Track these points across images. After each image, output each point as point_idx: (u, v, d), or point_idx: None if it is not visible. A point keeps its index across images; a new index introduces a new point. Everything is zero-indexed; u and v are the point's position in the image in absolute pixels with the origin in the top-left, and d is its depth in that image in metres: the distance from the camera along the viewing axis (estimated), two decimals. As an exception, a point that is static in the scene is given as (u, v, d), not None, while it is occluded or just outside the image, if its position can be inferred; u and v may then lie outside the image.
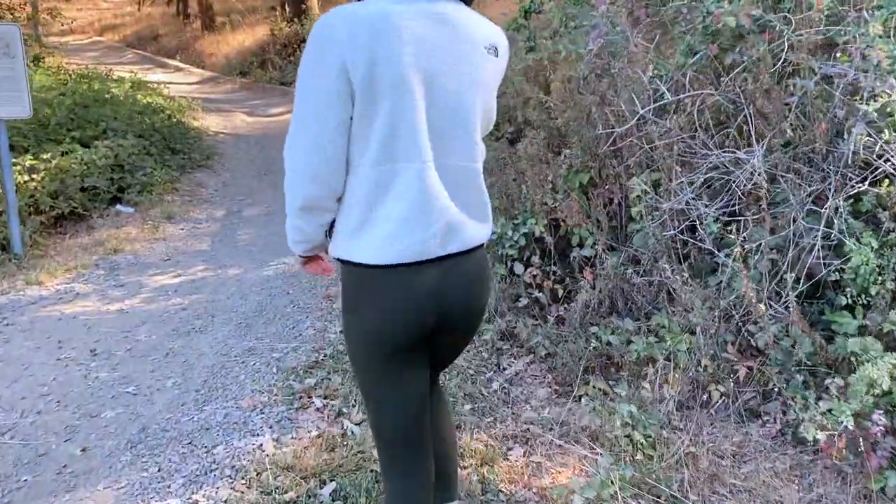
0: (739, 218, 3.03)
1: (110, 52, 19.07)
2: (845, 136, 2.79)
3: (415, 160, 1.44)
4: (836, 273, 2.74)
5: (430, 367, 1.69)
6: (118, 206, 6.30)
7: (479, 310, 1.66)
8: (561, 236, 3.98)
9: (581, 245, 3.82)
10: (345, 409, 2.92)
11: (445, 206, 1.49)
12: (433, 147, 1.46)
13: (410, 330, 1.52)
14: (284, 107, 11.32)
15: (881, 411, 2.29)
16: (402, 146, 1.42)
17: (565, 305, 3.74)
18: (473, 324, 1.68)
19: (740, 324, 2.93)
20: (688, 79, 3.30)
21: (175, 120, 8.67)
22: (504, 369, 3.36)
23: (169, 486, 2.46)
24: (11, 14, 9.92)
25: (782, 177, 3.01)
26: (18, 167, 5.70)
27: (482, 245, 1.64)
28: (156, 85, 10.60)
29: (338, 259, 1.55)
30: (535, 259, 3.94)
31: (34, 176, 5.75)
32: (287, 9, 14.21)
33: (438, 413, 1.86)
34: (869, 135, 2.73)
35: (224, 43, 15.92)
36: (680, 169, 3.29)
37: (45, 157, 5.96)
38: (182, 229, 5.91)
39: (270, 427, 2.83)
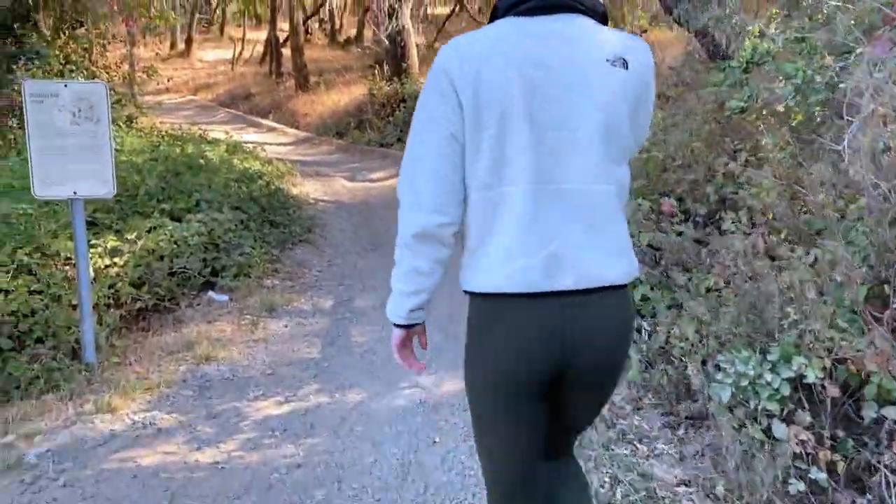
0: None
1: (203, 111, 18.90)
2: None
3: (519, 183, 1.40)
4: None
5: (555, 424, 1.59)
6: (211, 294, 5.33)
7: (611, 365, 1.51)
8: (847, 384, 2.70)
9: (883, 400, 2.54)
10: None
11: (553, 234, 1.41)
12: (541, 169, 1.40)
13: (521, 371, 1.45)
14: (385, 171, 10.41)
15: None
16: (508, 170, 1.40)
17: (861, 488, 2.45)
18: (602, 381, 1.54)
19: None
20: None
21: (273, 187, 7.80)
22: None
23: None
24: (107, 73, 9.40)
25: None
26: (98, 249, 4.80)
27: (620, 287, 1.49)
28: (252, 147, 9.86)
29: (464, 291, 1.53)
30: (804, 415, 2.66)
31: (116, 260, 4.83)
32: (386, 68, 13.52)
33: (570, 491, 1.66)
34: None
35: (318, 103, 15.36)
36: None
37: (129, 236, 5.05)
38: (285, 326, 4.86)
39: None
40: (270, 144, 12.91)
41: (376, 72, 13.34)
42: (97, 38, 9.22)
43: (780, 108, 3.98)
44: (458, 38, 1.45)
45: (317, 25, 27.98)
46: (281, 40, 20.22)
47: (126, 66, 10.06)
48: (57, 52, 8.72)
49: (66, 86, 3.78)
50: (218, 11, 30.09)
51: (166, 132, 9.45)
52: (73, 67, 8.80)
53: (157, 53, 15.44)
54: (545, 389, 1.49)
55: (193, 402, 3.67)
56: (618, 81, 1.44)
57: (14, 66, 7.87)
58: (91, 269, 4.72)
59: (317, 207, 8.26)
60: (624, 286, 1.50)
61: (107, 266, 4.80)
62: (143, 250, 5.04)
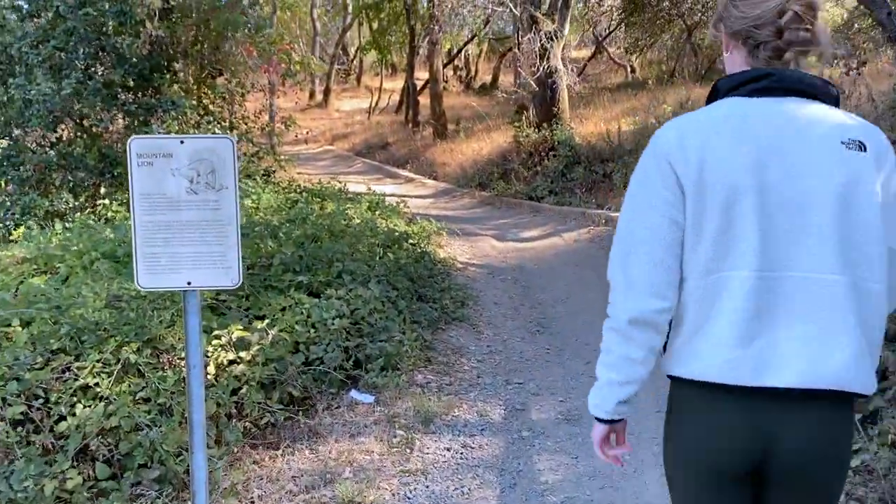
0: None
1: (340, 161, 18.59)
2: None
3: (743, 269, 1.34)
4: None
5: None
6: (353, 394, 4.29)
7: (818, 481, 1.39)
8: None
9: None
10: None
11: (774, 325, 1.34)
12: (767, 255, 1.33)
13: (715, 460, 1.40)
14: (539, 229, 9.24)
15: None
16: (732, 254, 1.34)
17: None
18: (810, 491, 1.39)
19: None
20: None
21: (420, 251, 6.79)
22: None
23: None
24: (245, 124, 8.86)
25: None
26: (222, 340, 3.88)
27: (848, 397, 1.36)
28: (395, 202, 8.97)
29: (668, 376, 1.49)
30: None
31: (242, 354, 3.89)
32: (532, 113, 12.46)
33: None
34: None
35: (458, 152, 14.49)
36: None
37: (260, 325, 4.10)
38: (447, 450, 3.71)
39: None
40: (409, 196, 12.09)
41: (524, 118, 12.29)
42: (237, 86, 8.71)
43: None
44: (678, 118, 1.43)
45: (451, 73, 27.66)
46: (418, 88, 19.74)
47: (265, 117, 9.50)
48: (195, 103, 8.23)
49: (182, 142, 2.85)
50: (355, 62, 30.46)
51: (304, 187, 8.74)
52: (211, 118, 8.28)
53: (296, 103, 15.15)
54: (746, 485, 1.41)
55: (334, 589, 2.57)
56: (855, 164, 1.36)
57: (150, 120, 7.37)
58: (212, 368, 3.80)
59: (466, 274, 7.18)
60: (849, 396, 1.36)
61: (230, 362, 3.86)
62: (275, 339, 4.08)
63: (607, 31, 22.37)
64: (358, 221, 6.86)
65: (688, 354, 1.41)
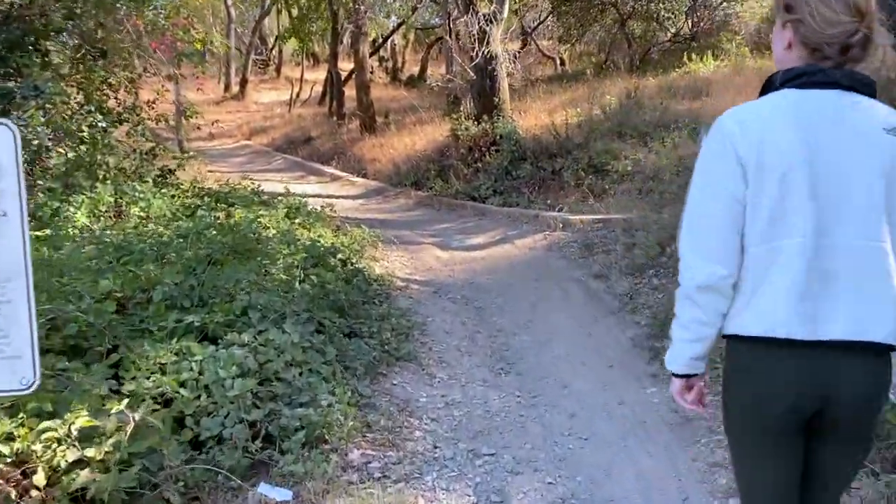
0: None
1: (258, 157, 17.04)
2: None
3: (796, 236, 1.50)
4: None
5: (812, 481, 1.66)
6: (261, 489, 3.03)
7: (864, 422, 1.60)
8: None
9: None
10: None
11: (824, 286, 1.50)
12: (818, 225, 1.50)
13: (779, 411, 1.55)
14: (485, 234, 8.09)
15: None
16: (786, 225, 1.51)
17: None
18: (854, 435, 1.61)
19: None
20: None
21: (351, 268, 5.55)
22: None
23: None
24: (137, 114, 7.38)
25: None
26: (57, 432, 2.57)
27: (888, 347, 1.55)
28: (320, 206, 7.65)
29: (725, 336, 1.64)
30: None
31: (90, 452, 2.58)
32: (471, 104, 11.31)
33: None
34: None
35: (389, 146, 13.22)
36: None
37: (118, 405, 2.79)
38: (403, 589, 2.51)
39: None
40: (336, 197, 10.78)
41: (461, 109, 11.11)
42: (124, 70, 7.22)
43: None
44: (739, 108, 1.60)
45: (377, 63, 26.32)
46: (342, 78, 18.35)
47: (163, 107, 8.02)
48: (71, 88, 6.73)
49: None
50: (275, 51, 28.66)
51: (208, 190, 7.33)
52: (92, 108, 6.79)
53: (198, 90, 13.37)
54: (801, 434, 1.59)
55: None
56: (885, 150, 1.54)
57: (9, 108, 5.85)
58: (41, 476, 2.50)
59: (408, 294, 5.97)
60: (889, 348, 1.55)
61: (72, 465, 2.56)
62: (143, 423, 2.79)
63: (536, 23, 21.67)
64: (273, 233, 5.56)
65: (749, 314, 1.56)
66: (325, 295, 4.52)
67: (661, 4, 16.70)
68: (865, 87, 1.57)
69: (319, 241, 5.58)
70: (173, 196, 6.59)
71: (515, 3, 18.00)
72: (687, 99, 11.50)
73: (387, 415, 3.76)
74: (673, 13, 17.17)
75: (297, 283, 4.57)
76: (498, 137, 10.36)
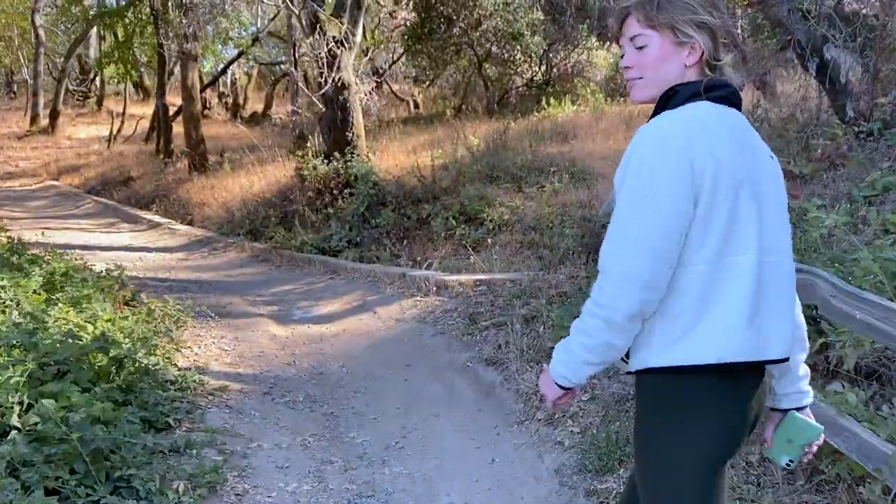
0: None
1: (63, 200, 14.35)
2: None
3: (749, 252, 1.43)
4: None
5: None
6: None
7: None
8: None
9: None
10: None
11: (771, 304, 1.45)
12: (763, 242, 1.45)
13: (737, 443, 1.47)
14: (339, 300, 6.33)
15: None
16: (739, 241, 1.43)
17: None
18: None
19: None
20: None
21: (132, 368, 3.62)
22: None
23: None
24: None
25: None
26: None
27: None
28: (110, 267, 5.59)
29: (646, 371, 1.47)
30: None
31: None
32: (319, 140, 9.60)
33: None
34: None
35: (221, 188, 11.19)
36: None
37: None
38: None
39: None
40: (151, 251, 8.64)
41: (309, 146, 9.34)
42: None
43: None
44: (672, 119, 1.46)
45: (217, 100, 24.02)
46: (171, 112, 16.06)
47: None
48: None
49: None
50: (97, 81, 25.45)
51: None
52: None
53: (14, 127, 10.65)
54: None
55: None
56: (779, 170, 1.58)
57: None
58: None
59: (226, 401, 4.08)
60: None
61: None
62: None
63: (389, 63, 20.68)
64: (9, 327, 3.54)
65: (694, 341, 1.41)
66: (61, 438, 2.60)
67: (517, 48, 16.05)
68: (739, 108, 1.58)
69: (81, 332, 3.62)
70: None
71: (366, 41, 16.70)
72: (556, 142, 10.65)
73: None
74: (529, 57, 16.61)
75: (13, 415, 2.63)
76: (352, 178, 8.72)
